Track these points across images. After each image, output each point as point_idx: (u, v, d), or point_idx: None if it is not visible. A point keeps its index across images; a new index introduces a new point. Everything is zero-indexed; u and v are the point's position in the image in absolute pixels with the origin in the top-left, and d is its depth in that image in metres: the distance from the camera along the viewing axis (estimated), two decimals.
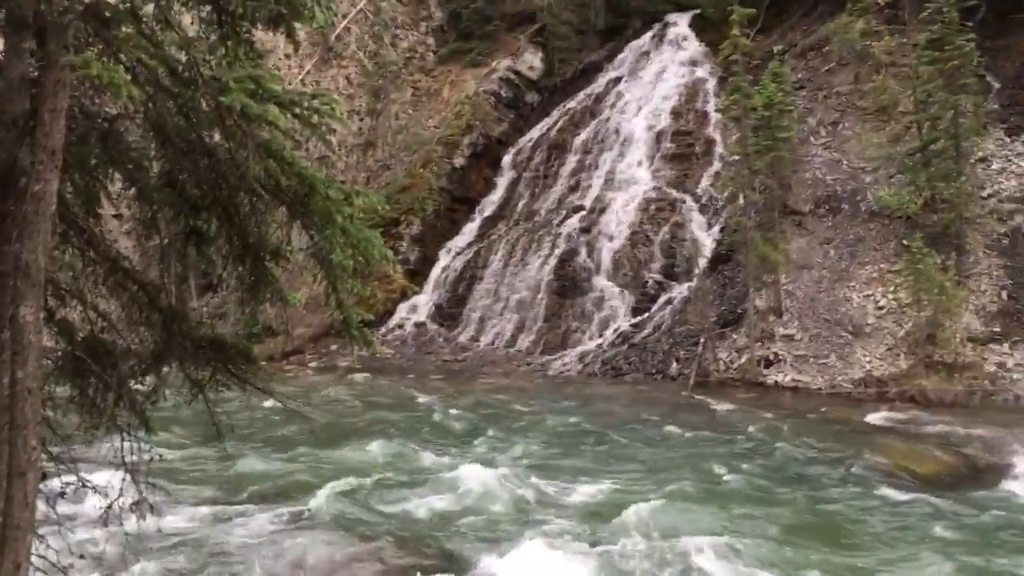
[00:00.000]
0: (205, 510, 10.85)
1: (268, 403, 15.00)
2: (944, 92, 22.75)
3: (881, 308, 22.78)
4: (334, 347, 30.17)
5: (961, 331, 20.62)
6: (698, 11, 39.40)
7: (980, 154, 24.88)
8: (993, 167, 25.02)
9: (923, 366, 20.22)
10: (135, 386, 6.37)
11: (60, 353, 6.10)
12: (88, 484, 6.31)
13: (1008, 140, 25.76)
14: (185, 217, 6.33)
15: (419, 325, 31.88)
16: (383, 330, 31.42)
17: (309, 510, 10.81)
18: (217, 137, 5.87)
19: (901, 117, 24.96)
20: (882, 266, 23.99)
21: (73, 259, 6.26)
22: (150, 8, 5.86)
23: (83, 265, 6.30)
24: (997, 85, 27.44)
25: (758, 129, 24.00)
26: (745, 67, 24.60)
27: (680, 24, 40.13)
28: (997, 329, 20.77)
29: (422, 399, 21.36)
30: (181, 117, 5.83)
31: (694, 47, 38.35)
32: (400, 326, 31.97)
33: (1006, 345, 20.32)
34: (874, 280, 23.77)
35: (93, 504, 6.54)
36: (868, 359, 21.45)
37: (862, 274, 24.18)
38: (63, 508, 6.59)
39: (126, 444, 6.24)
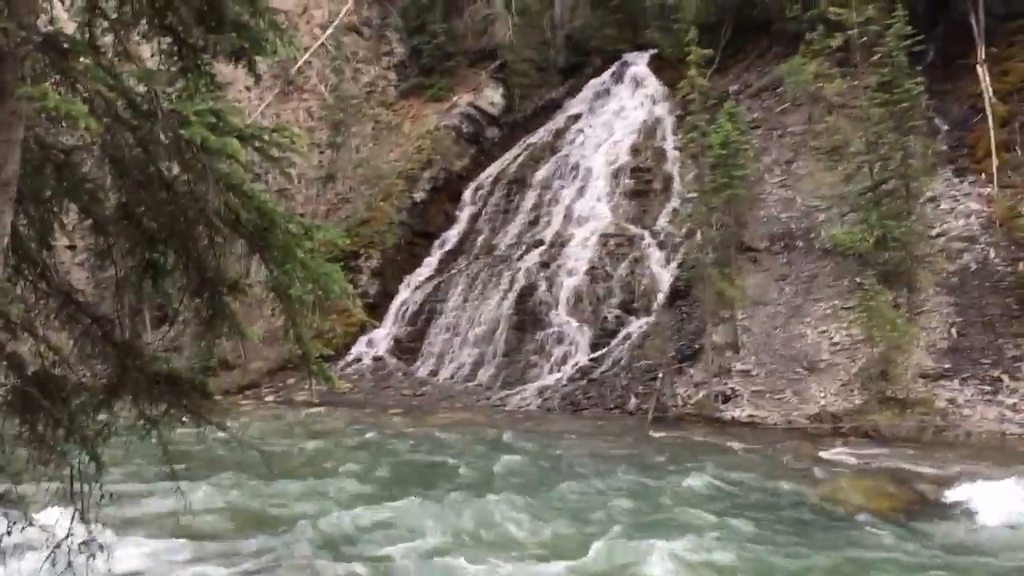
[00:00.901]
0: (157, 548, 10.59)
1: (224, 437, 14.73)
2: (894, 133, 23.25)
3: (835, 344, 23.09)
4: (291, 381, 29.81)
5: (913, 367, 20.93)
6: (656, 51, 40.13)
7: (929, 194, 25.44)
8: (942, 207, 25.61)
9: (876, 402, 20.48)
10: (86, 422, 6.22)
11: (9, 387, 5.95)
12: (36, 523, 6.13)
13: (956, 181, 26.40)
14: (141, 249, 6.25)
15: (378, 359, 31.66)
16: (341, 364, 31.14)
17: (263, 548, 10.59)
18: (176, 170, 5.82)
19: (853, 157, 25.43)
20: (836, 303, 24.35)
21: (25, 292, 6.13)
22: (109, 39, 5.81)
23: (35, 298, 6.18)
24: (945, 127, 28.19)
25: (715, 167, 24.33)
26: (702, 106, 24.98)
27: (639, 63, 40.78)
28: (947, 366, 21.13)
29: (380, 434, 21.12)
30: (139, 149, 5.77)
31: (653, 86, 38.94)
32: (359, 360, 31.71)
33: (956, 381, 20.67)
34: (828, 316, 24.11)
35: (41, 544, 6.34)
36: (823, 394, 21.69)
37: (817, 310, 24.52)
38: (9, 547, 6.38)
39: (75, 482, 6.08)
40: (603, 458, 17.74)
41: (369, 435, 21.01)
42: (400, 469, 16.59)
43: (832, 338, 23.32)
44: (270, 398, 28.99)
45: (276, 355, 29.68)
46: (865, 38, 25.57)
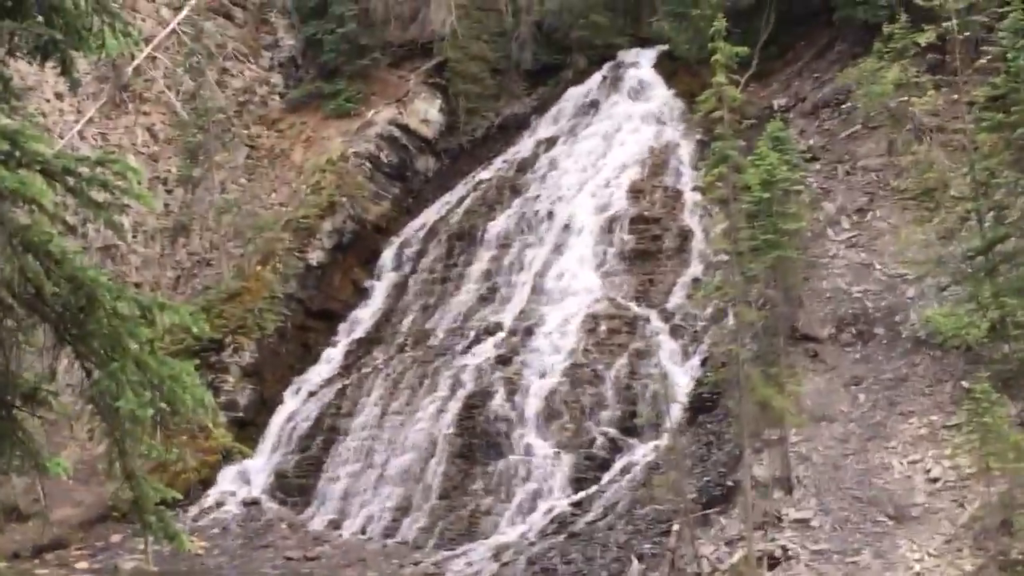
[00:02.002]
0: None
1: None
2: (1013, 171, 23.66)
3: (934, 481, 23.19)
4: (116, 539, 29.33)
5: None
6: (667, 48, 40.65)
7: None
8: None
9: (996, 567, 20.54)
10: None
11: None
12: None
13: None
14: None
15: (251, 504, 31.23)
16: (195, 511, 30.70)
17: None
18: None
19: (954, 204, 25.83)
20: (934, 418, 24.51)
21: None
22: None
23: None
24: None
25: (754, 217, 24.56)
26: (734, 128, 25.31)
27: (642, 65, 41.48)
28: None
29: None
30: None
31: (662, 97, 39.58)
32: (221, 504, 31.27)
33: None
34: (923, 439, 24.24)
35: None
36: (918, 556, 21.72)
37: (906, 430, 24.66)
38: None
39: None
40: None
41: None
42: None
43: (929, 471, 23.45)
44: (83, 564, 28.42)
45: (94, 499, 29.20)
46: (968, 32, 26.13)
